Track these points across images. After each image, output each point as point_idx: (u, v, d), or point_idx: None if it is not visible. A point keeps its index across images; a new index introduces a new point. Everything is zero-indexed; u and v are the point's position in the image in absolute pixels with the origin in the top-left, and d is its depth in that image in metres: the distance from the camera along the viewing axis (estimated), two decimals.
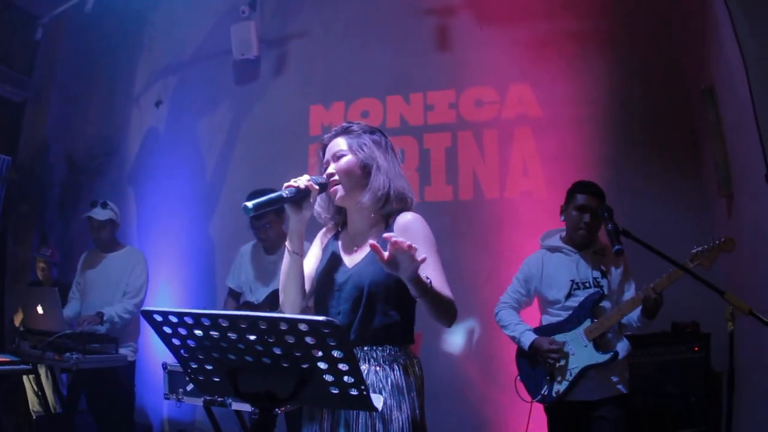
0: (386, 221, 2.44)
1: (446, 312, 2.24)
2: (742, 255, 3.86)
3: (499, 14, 5.74)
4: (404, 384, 2.28)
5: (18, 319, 5.51)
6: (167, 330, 1.79)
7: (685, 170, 5.05)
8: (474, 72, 5.79)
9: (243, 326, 1.65)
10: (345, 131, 2.47)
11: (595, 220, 3.69)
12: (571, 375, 3.60)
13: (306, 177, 2.32)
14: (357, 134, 2.45)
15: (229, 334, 1.70)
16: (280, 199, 2.23)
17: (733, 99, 4.03)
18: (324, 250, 2.56)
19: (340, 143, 2.43)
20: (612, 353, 3.56)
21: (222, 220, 6.45)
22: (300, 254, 2.39)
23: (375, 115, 6.04)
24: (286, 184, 2.27)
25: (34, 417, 5.38)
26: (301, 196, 2.28)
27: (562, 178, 4.52)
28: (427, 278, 2.13)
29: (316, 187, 2.32)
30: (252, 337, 1.67)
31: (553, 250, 3.89)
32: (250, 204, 2.13)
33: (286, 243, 2.39)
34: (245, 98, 6.66)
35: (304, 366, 1.71)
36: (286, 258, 2.39)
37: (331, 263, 2.46)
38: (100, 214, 5.20)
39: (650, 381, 4.35)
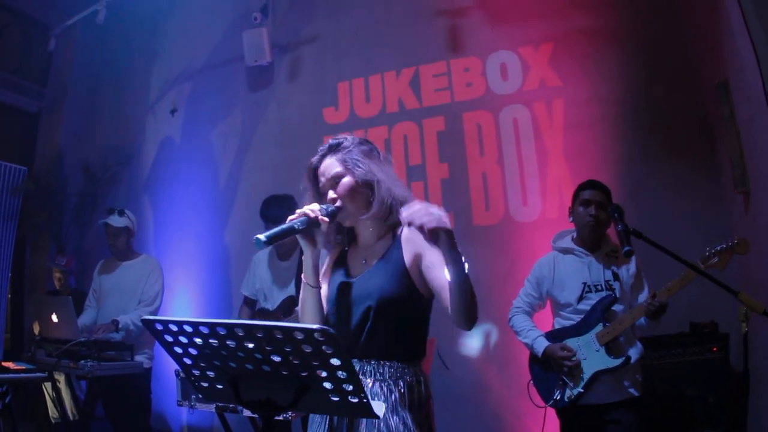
0: (393, 231, 2.40)
1: (471, 310, 2.11)
2: (759, 252, 3.80)
3: (510, 14, 5.71)
4: (407, 402, 2.22)
5: (36, 329, 5.55)
6: (168, 338, 1.80)
7: (701, 166, 4.98)
8: (486, 73, 5.75)
9: (240, 334, 1.65)
10: (334, 149, 2.40)
11: (602, 213, 3.68)
12: (583, 380, 3.56)
13: (316, 206, 2.26)
14: (348, 150, 2.38)
15: (227, 342, 1.69)
16: (292, 230, 2.18)
17: (747, 92, 3.97)
18: (333, 267, 2.50)
19: (334, 165, 2.35)
20: (624, 358, 3.52)
21: (237, 226, 6.46)
22: (317, 287, 2.35)
23: None
24: (296, 214, 2.22)
25: (53, 423, 5.42)
26: (312, 226, 2.23)
27: (577, 177, 4.48)
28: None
29: (326, 219, 2.25)
30: (250, 345, 1.67)
31: (565, 251, 3.86)
32: (262, 237, 2.08)
33: (302, 276, 2.34)
34: (259, 104, 6.68)
35: (304, 374, 1.71)
36: (303, 291, 2.35)
37: (340, 279, 2.40)
38: (116, 221, 5.23)
39: (668, 382, 4.28)
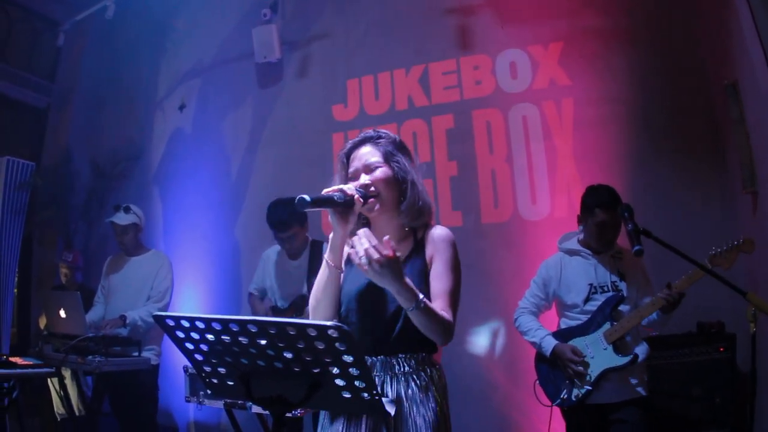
0: (414, 234, 2.40)
1: (435, 332, 2.17)
2: (766, 252, 3.78)
3: (520, 13, 5.70)
4: (437, 389, 2.27)
5: (43, 323, 5.57)
6: (180, 334, 1.80)
7: (710, 167, 4.97)
8: (496, 71, 5.74)
9: (253, 331, 1.65)
10: (374, 140, 2.39)
11: (615, 226, 3.68)
12: (590, 379, 3.57)
13: (352, 186, 2.25)
14: (385, 145, 2.37)
15: (240, 339, 1.70)
16: (332, 200, 2.17)
17: (756, 94, 3.95)
18: (346, 262, 2.45)
19: (374, 153, 2.35)
20: (631, 356, 3.53)
21: (247, 221, 6.46)
22: (340, 269, 2.34)
23: None
24: (332, 188, 2.20)
25: (59, 419, 5.43)
26: (348, 204, 2.20)
27: (586, 176, 4.47)
28: (422, 296, 2.10)
29: (362, 200, 2.24)
30: (263, 342, 1.67)
31: (571, 253, 3.86)
32: (307, 197, 2.07)
33: (326, 256, 2.31)
34: (268, 101, 6.67)
35: (316, 370, 1.71)
36: (324, 271, 2.32)
37: (359, 275, 2.31)
38: (122, 219, 5.24)
39: (675, 382, 4.28)
